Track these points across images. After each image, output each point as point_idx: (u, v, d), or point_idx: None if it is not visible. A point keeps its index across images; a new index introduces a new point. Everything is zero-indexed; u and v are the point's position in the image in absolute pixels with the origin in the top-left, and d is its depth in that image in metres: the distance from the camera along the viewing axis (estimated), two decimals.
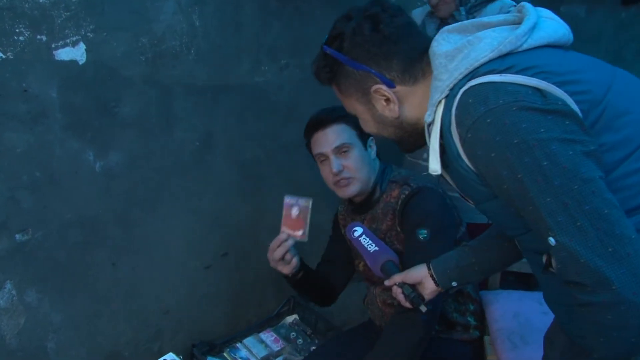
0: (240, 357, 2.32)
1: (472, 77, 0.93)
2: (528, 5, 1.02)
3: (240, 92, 2.20)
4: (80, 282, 1.95)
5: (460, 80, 0.95)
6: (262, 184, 2.40)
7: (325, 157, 1.73)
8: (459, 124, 0.93)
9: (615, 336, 0.89)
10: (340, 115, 1.70)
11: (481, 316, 1.96)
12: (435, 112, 0.99)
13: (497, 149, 0.87)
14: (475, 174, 0.96)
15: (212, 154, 2.18)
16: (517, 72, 0.90)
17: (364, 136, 1.74)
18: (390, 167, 1.83)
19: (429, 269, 1.43)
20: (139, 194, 2.02)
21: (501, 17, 1.04)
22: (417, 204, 1.70)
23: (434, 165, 0.99)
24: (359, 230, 1.58)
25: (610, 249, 0.84)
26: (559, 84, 0.89)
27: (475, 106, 0.90)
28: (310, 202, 1.68)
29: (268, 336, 2.39)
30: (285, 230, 1.69)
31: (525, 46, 0.95)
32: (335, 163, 1.70)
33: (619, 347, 0.90)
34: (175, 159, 2.08)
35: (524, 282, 2.59)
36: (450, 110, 0.95)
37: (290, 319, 2.49)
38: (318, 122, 1.73)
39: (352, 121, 1.68)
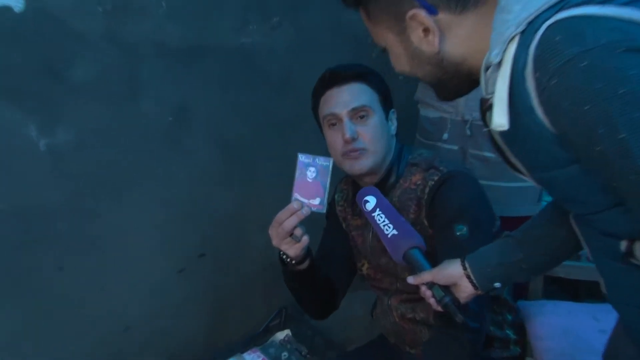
0: None
1: (562, 9, 0.83)
2: None
3: (222, 55, 2.06)
4: (17, 291, 1.76)
5: (545, 11, 0.85)
6: (249, 170, 2.27)
7: (336, 120, 1.59)
8: (539, 68, 0.83)
9: None
10: (362, 73, 1.57)
11: (521, 329, 1.84)
12: (504, 51, 0.89)
13: (593, 101, 0.78)
14: (552, 132, 0.86)
15: (187, 131, 2.04)
16: (622, 5, 0.80)
17: (386, 104, 1.62)
18: (408, 147, 1.70)
19: (464, 267, 1.31)
20: (95, 181, 1.86)
21: None
22: (451, 193, 1.55)
23: (500, 119, 0.89)
24: (371, 201, 1.41)
25: None
26: None
27: (565, 45, 0.80)
28: (331, 163, 1.49)
29: (254, 357, 2.16)
30: (298, 198, 1.50)
31: None
32: (349, 127, 1.55)
33: None
34: (142, 136, 1.93)
35: (571, 292, 2.47)
36: (527, 50, 0.85)
37: (281, 335, 2.26)
38: (333, 78, 1.58)
39: (376, 83, 1.59)
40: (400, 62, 1.09)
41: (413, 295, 1.65)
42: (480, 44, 0.98)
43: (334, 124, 1.60)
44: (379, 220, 1.38)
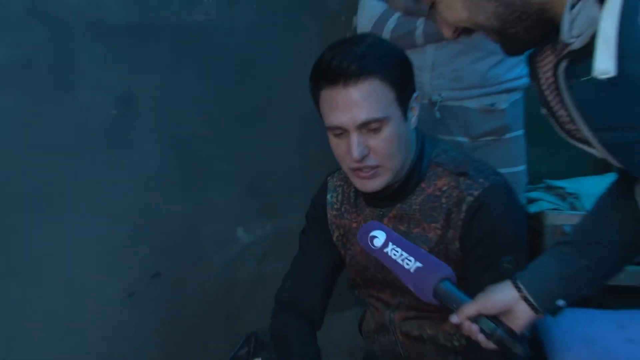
0: None
1: None
2: None
3: (172, 36, 1.91)
4: None
5: None
6: (207, 171, 2.10)
7: (342, 132, 1.37)
8: None
9: None
10: (374, 67, 1.33)
11: (536, 345, 1.77)
12: None
13: None
14: None
15: (133, 126, 1.88)
16: None
17: (404, 97, 1.39)
18: (430, 139, 1.52)
19: (518, 289, 1.19)
20: (21, 189, 1.69)
21: None
22: (498, 217, 1.40)
23: (606, 64, 0.79)
24: (380, 237, 1.26)
25: None
26: None
27: None
28: None
29: None
30: None
31: None
32: (357, 146, 1.35)
33: None
34: (79, 133, 1.77)
35: (593, 298, 2.43)
36: None
37: None
38: (337, 72, 1.32)
39: (391, 75, 1.35)
40: (455, 9, 0.97)
41: (421, 312, 1.53)
42: None
43: (339, 134, 1.40)
44: (395, 255, 1.23)
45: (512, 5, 0.92)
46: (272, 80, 2.01)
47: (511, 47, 1.00)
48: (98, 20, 1.73)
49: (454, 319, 1.21)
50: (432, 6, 1.00)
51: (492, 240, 1.39)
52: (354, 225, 1.56)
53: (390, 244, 1.24)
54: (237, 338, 2.22)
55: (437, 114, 1.99)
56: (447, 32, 1.03)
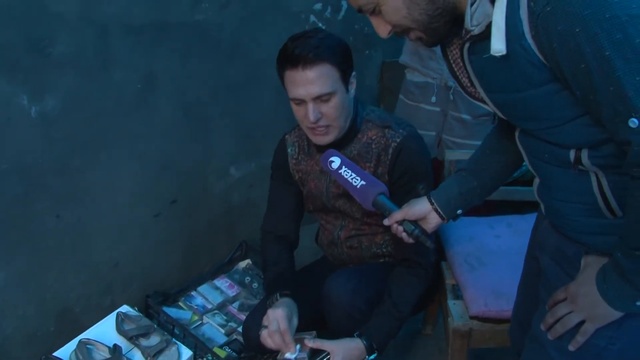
0: (197, 305, 2.30)
1: None
2: None
3: (180, 30, 2.12)
4: (22, 236, 1.87)
5: None
6: (209, 126, 2.35)
7: (301, 101, 1.59)
8: None
9: None
10: (325, 55, 1.55)
11: (437, 240, 2.04)
12: None
13: (584, 24, 0.85)
14: (536, 55, 0.94)
15: (155, 95, 2.11)
16: None
17: (346, 75, 1.62)
18: (362, 103, 1.75)
19: (431, 202, 1.40)
20: (80, 140, 1.94)
21: None
22: (413, 155, 1.67)
23: (499, 45, 0.94)
24: (336, 161, 1.47)
25: None
26: None
27: None
28: None
29: (223, 282, 2.39)
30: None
31: None
32: (313, 112, 1.57)
33: None
34: (117, 101, 2.01)
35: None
36: None
37: (243, 264, 2.48)
38: (297, 58, 1.54)
39: (336, 59, 1.57)
40: (397, 8, 1.05)
41: (359, 230, 1.81)
42: None
43: (299, 103, 1.60)
44: (347, 175, 1.44)
45: (436, 3, 1.03)
46: (253, 61, 2.24)
47: (433, 38, 1.10)
48: (126, 22, 1.94)
49: (386, 221, 1.41)
50: (374, 10, 1.08)
51: (410, 173, 1.66)
52: (309, 168, 1.79)
53: (343, 166, 1.45)
54: (233, 245, 2.53)
55: (451, 96, 2.28)
56: (383, 32, 1.11)
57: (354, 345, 1.61)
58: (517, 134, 1.19)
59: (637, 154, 0.90)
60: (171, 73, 2.15)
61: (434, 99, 2.34)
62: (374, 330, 1.64)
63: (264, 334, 1.58)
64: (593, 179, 1.06)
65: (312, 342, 1.56)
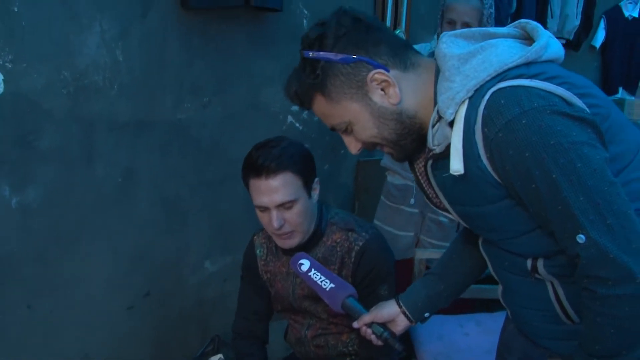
0: None
1: (502, 80, 0.96)
2: (534, 23, 1.08)
3: (163, 128, 2.21)
4: None
5: (488, 81, 0.97)
6: (186, 220, 2.39)
7: (265, 208, 1.60)
8: (487, 123, 0.95)
9: (626, 327, 0.96)
10: (285, 162, 1.56)
11: (407, 340, 2.04)
12: (457, 111, 0.99)
13: (532, 149, 0.92)
14: (491, 175, 0.99)
15: (134, 190, 2.17)
16: (545, 79, 0.95)
17: (308, 183, 1.63)
18: (326, 205, 1.77)
19: (399, 305, 1.41)
20: (58, 231, 1.98)
21: (504, 30, 1.10)
22: (375, 258, 1.69)
23: (457, 165, 0.99)
24: (306, 264, 1.48)
25: (634, 246, 0.92)
26: (579, 96, 0.95)
27: (508, 107, 0.93)
28: None
29: None
30: None
31: (544, 58, 1.01)
32: (276, 219, 1.58)
33: (629, 338, 0.98)
34: (97, 195, 2.06)
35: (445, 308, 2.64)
36: (476, 110, 0.97)
37: (215, 358, 2.33)
38: (260, 168, 1.55)
39: (298, 167, 1.59)
40: (367, 129, 1.10)
41: (326, 330, 1.81)
42: (424, 100, 1.07)
43: (263, 210, 1.60)
44: (316, 277, 1.43)
45: (403, 123, 1.08)
46: (231, 159, 2.26)
47: (401, 155, 1.15)
48: (111, 119, 2.02)
49: (355, 324, 1.41)
50: (347, 129, 1.11)
51: (372, 274, 1.66)
52: (276, 269, 1.79)
53: (313, 269, 1.45)
54: (205, 339, 2.47)
55: None
56: (354, 149, 1.15)
57: None
58: (480, 242, 1.23)
59: (585, 267, 0.95)
60: (151, 168, 2.21)
61: (412, 200, 2.36)
62: None
63: None
64: (549, 287, 1.10)
65: None
